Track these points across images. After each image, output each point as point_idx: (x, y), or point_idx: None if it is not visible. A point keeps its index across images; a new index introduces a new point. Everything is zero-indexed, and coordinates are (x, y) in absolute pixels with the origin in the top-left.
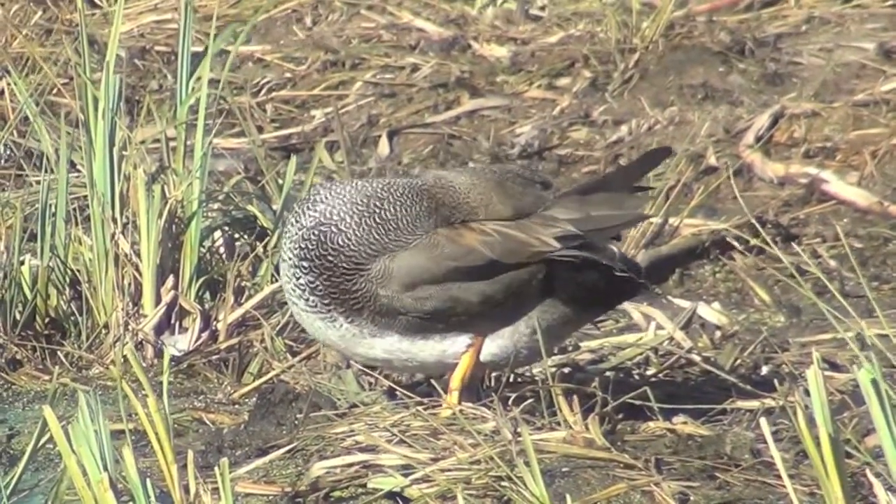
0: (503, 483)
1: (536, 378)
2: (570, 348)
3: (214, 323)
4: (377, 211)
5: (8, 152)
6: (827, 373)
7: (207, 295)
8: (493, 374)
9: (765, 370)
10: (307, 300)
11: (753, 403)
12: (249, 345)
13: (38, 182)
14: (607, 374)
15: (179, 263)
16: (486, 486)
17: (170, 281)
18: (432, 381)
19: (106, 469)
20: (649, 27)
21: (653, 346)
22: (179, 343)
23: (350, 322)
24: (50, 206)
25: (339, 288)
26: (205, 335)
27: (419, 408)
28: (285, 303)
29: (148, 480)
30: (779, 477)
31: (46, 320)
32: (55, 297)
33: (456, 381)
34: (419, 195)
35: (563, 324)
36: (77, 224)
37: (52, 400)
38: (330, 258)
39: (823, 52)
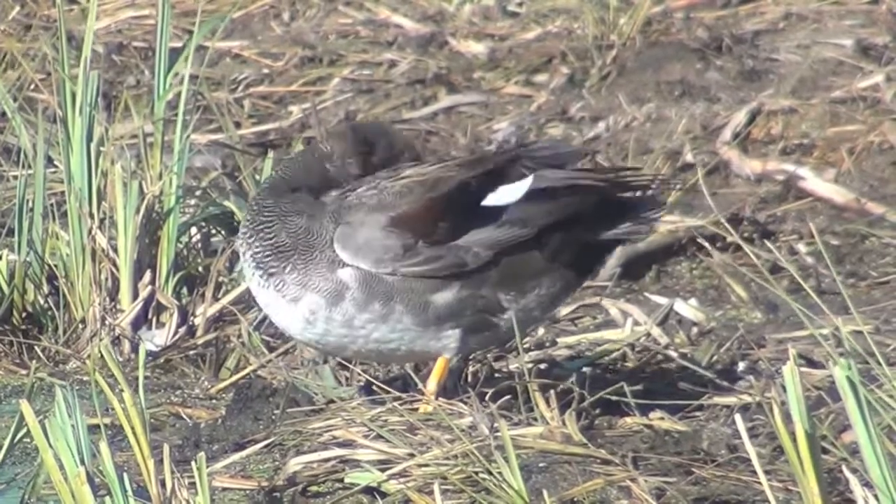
0: (482, 475)
1: (513, 373)
2: (548, 344)
3: (191, 318)
4: None
5: None
6: (803, 369)
7: (184, 290)
8: (471, 370)
9: (741, 366)
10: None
11: (730, 399)
12: (226, 340)
13: (15, 177)
14: (584, 369)
15: (156, 259)
16: (463, 481)
17: (147, 276)
18: (409, 373)
19: (83, 463)
20: (627, 24)
21: (630, 342)
22: (157, 338)
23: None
24: (27, 201)
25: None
26: (182, 330)
27: (396, 403)
28: None
29: (125, 474)
30: (755, 473)
31: (23, 315)
32: (32, 291)
33: (433, 382)
34: None
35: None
36: (54, 219)
37: (30, 394)
38: None
39: (801, 48)
